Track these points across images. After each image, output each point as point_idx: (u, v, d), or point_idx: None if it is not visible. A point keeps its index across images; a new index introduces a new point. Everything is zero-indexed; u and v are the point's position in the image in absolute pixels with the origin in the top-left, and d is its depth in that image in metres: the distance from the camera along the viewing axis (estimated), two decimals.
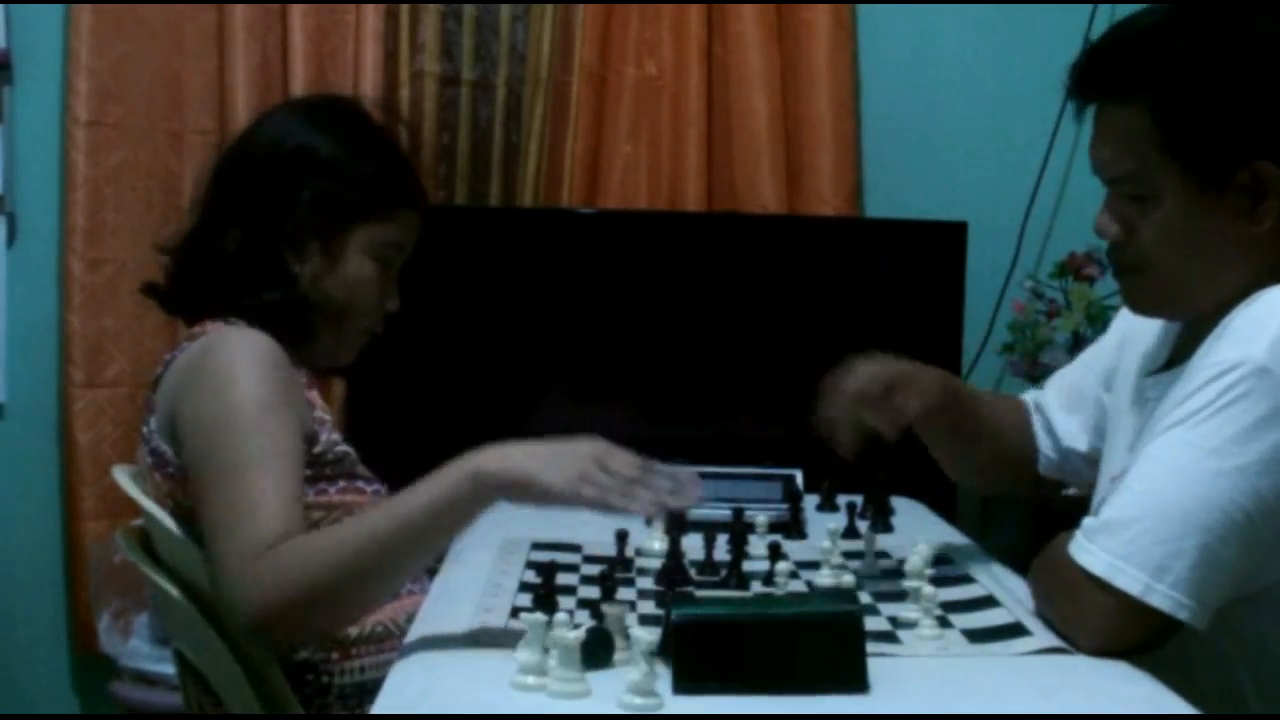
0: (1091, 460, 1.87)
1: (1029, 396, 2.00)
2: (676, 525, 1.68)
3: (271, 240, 1.82)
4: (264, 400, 1.67)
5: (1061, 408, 1.92)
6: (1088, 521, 1.49)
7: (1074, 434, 1.90)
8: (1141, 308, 1.65)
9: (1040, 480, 1.97)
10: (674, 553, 1.69)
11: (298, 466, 1.68)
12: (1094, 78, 1.57)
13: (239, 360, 1.70)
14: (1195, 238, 1.53)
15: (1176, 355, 1.62)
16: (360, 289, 1.87)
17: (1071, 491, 2.06)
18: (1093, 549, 1.45)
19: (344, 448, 1.85)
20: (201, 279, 1.85)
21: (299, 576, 1.51)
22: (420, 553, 1.55)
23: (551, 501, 1.46)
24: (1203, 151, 1.50)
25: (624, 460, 1.48)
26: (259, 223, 1.82)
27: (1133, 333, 1.77)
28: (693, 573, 1.71)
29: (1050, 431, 1.93)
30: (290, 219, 1.82)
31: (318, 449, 1.79)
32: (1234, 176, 1.50)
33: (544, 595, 1.54)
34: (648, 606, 1.59)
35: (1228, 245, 1.53)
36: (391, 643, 1.75)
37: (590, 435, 1.51)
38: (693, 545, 1.79)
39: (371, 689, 1.47)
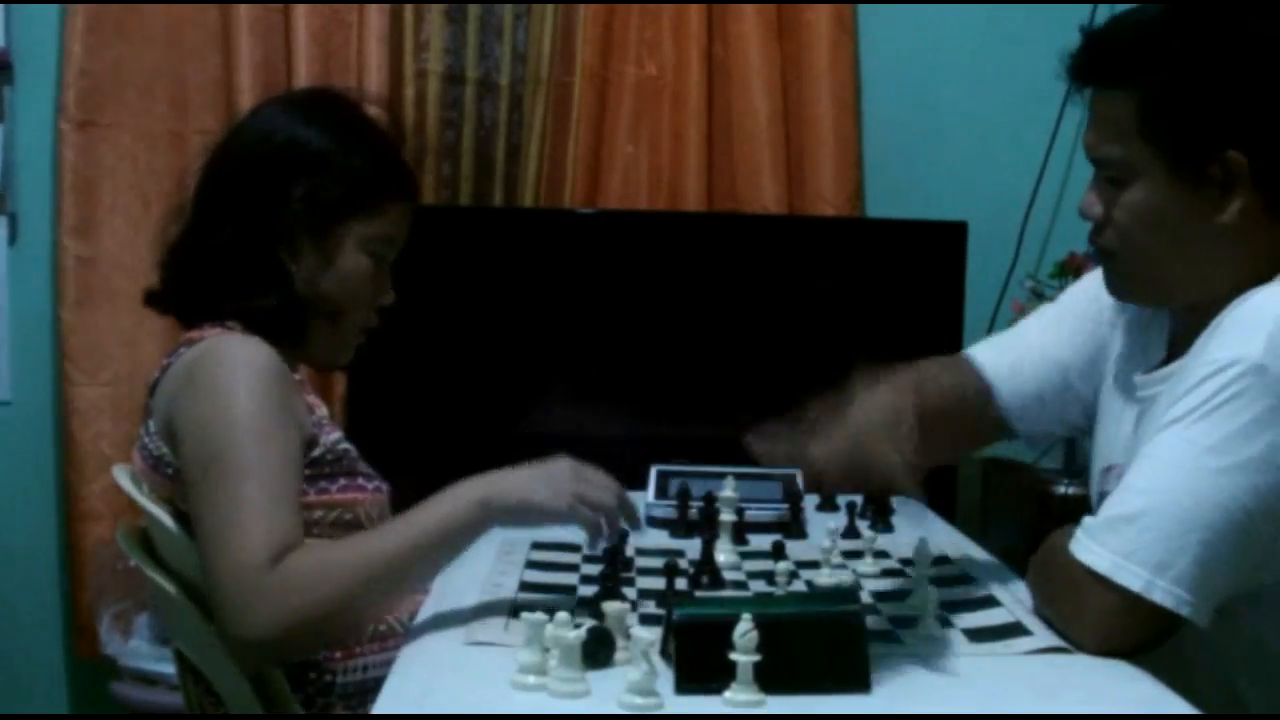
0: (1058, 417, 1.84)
1: (976, 353, 1.88)
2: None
3: (264, 238, 1.80)
4: (261, 411, 1.66)
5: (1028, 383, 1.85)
6: (1089, 520, 1.49)
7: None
8: (1116, 292, 1.66)
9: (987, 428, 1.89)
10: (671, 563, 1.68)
11: (295, 479, 1.68)
12: (1088, 65, 1.61)
13: (237, 371, 1.69)
14: (1163, 222, 1.55)
15: (1171, 353, 1.62)
16: (356, 285, 1.85)
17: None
18: (1095, 547, 1.45)
19: (345, 445, 1.84)
20: (196, 280, 1.84)
21: (308, 595, 1.55)
22: (426, 570, 1.64)
23: (548, 522, 1.63)
24: (1178, 138, 1.52)
25: (597, 478, 1.62)
26: (251, 221, 1.80)
27: (1111, 325, 1.76)
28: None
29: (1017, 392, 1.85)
30: (282, 216, 1.80)
31: (317, 452, 1.78)
32: (1207, 167, 1.52)
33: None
34: (648, 606, 1.59)
35: (1199, 236, 1.54)
36: (394, 640, 1.74)
37: (557, 454, 1.64)
38: (691, 546, 1.81)
39: (373, 688, 1.47)
